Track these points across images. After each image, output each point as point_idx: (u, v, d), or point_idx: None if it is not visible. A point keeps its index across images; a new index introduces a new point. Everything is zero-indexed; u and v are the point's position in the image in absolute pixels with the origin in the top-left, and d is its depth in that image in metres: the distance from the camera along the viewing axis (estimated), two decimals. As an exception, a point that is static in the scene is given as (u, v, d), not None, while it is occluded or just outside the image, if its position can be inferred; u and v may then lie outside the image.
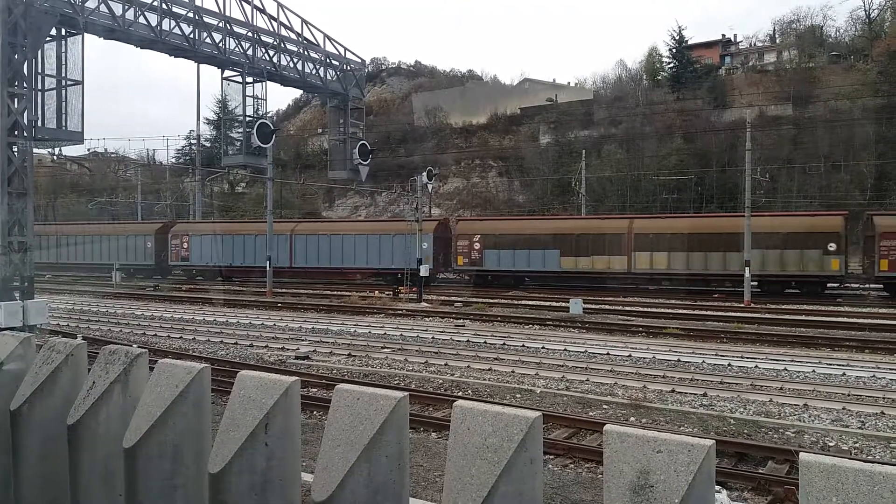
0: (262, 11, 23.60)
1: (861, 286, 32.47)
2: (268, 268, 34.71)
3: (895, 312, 24.42)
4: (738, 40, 69.50)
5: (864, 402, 11.85)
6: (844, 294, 31.53)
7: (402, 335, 20.09)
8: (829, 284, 31.22)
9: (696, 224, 33.76)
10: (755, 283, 28.94)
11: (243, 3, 22.88)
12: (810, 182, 47.12)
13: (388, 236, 38.30)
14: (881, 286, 30.35)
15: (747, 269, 28.08)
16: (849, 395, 12.34)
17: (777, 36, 66.98)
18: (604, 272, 33.96)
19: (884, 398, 12.14)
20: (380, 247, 38.29)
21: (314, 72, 26.38)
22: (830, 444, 9.76)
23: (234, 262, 42.63)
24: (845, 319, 22.71)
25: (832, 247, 29.41)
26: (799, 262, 30.15)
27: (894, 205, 42.15)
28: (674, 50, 61.58)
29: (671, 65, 62.45)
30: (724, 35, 68.81)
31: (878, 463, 8.14)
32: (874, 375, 14.00)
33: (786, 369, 14.67)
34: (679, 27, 61.38)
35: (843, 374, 14.17)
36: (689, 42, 62.00)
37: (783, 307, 26.34)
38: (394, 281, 36.18)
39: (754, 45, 68.78)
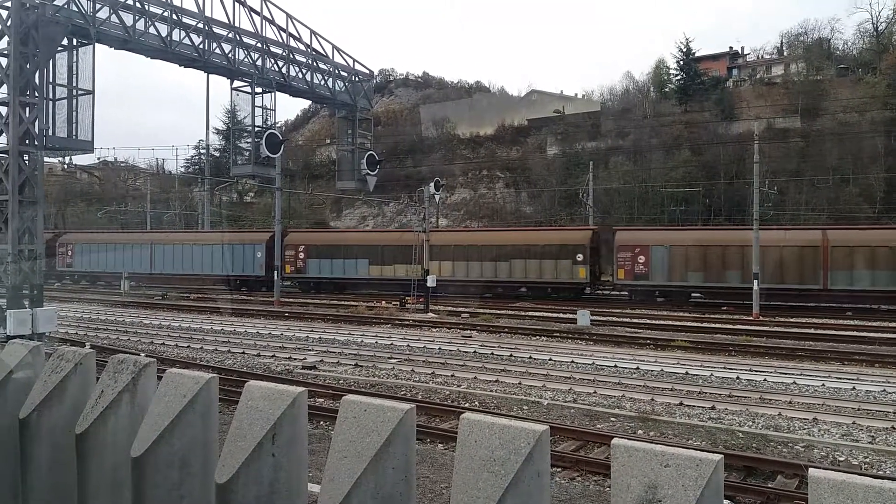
0: (272, 23, 23.80)
1: (609, 292, 37.10)
2: (275, 277, 34.79)
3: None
4: (745, 53, 69.57)
5: (875, 417, 11.76)
6: (593, 298, 36.02)
7: (408, 346, 20.07)
8: (586, 290, 36.09)
9: (480, 237, 39.09)
10: (524, 289, 33.95)
11: (253, 14, 23.08)
12: (819, 195, 46.96)
13: (229, 246, 43.11)
14: (626, 292, 34.83)
15: (756, 281, 27.97)
16: (859, 410, 12.25)
17: (785, 48, 66.95)
18: (404, 279, 36.54)
19: (894, 413, 12.05)
20: (223, 255, 42.85)
21: (323, 83, 26.53)
22: (840, 458, 9.68)
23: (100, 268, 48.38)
24: (855, 333, 22.57)
25: (580, 257, 34.04)
26: (554, 271, 34.51)
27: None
28: (681, 62, 61.60)
29: (679, 77, 62.46)
30: (731, 47, 68.89)
31: (889, 479, 8.08)
32: (884, 390, 13.89)
33: (795, 383, 14.58)
34: (686, 39, 61.29)
35: (853, 388, 14.07)
36: (697, 54, 62.03)
37: (792, 320, 26.20)
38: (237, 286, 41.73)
39: (762, 57, 68.76)
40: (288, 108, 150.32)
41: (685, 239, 33.18)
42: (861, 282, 29.22)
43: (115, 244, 49.40)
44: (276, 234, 36.03)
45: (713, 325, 24.95)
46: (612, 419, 11.83)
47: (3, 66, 15.32)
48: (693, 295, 32.79)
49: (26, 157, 15.50)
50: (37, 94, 15.71)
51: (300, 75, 25.32)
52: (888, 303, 28.82)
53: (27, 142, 15.49)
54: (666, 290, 33.07)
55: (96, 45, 17.66)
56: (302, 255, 40.92)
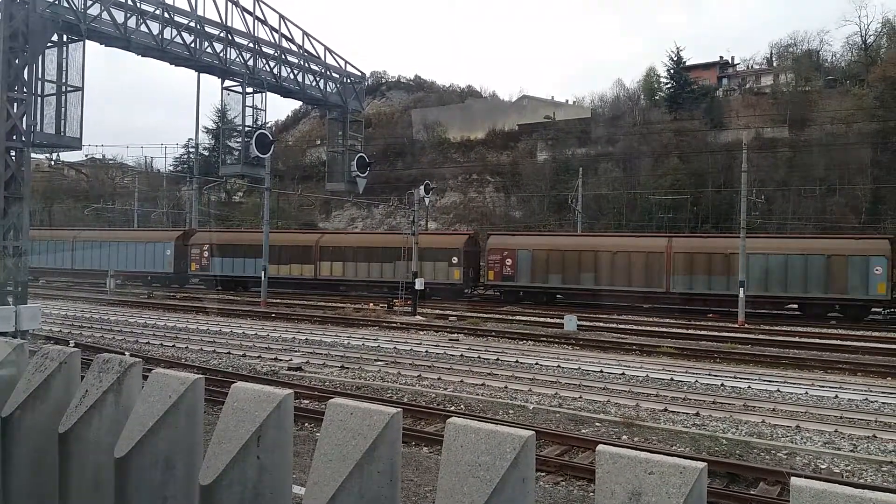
0: (264, 23, 23.73)
1: (484, 291, 39.47)
2: (263, 277, 34.64)
3: (890, 336, 24.49)
4: (735, 62, 70.08)
5: (857, 426, 11.86)
6: (468, 298, 38.42)
7: (395, 348, 20.05)
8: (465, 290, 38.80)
9: (371, 239, 42.25)
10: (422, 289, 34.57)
11: (245, 13, 23.01)
12: (805, 205, 47.36)
13: (143, 244, 45.88)
14: (497, 292, 37.46)
15: (741, 290, 28.15)
16: (841, 418, 12.36)
17: (774, 59, 67.53)
18: (297, 278, 40.41)
19: (876, 421, 12.16)
20: (136, 253, 45.57)
21: (314, 84, 26.49)
22: (822, 466, 9.76)
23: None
24: (839, 342, 22.77)
25: (455, 260, 37.11)
26: (433, 272, 37.09)
27: (888, 229, 42.41)
28: (671, 70, 61.99)
29: (669, 85, 62.84)
30: (721, 57, 69.40)
31: (870, 488, 8.15)
32: (867, 399, 14.02)
33: (779, 390, 14.68)
34: (677, 48, 61.71)
35: (836, 396, 14.19)
36: (687, 63, 62.44)
37: (776, 328, 26.39)
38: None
39: (751, 67, 69.30)
40: (279, 108, 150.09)
41: (546, 244, 36.20)
42: (698, 286, 31.99)
43: (38, 240, 47.56)
44: (265, 234, 35.85)
45: (699, 332, 25.08)
46: (598, 424, 11.86)
47: (-8, 60, 15.18)
48: (558, 296, 35.56)
49: (13, 153, 15.36)
50: (25, 90, 15.57)
51: (292, 76, 25.25)
52: (719, 305, 31.20)
53: (14, 137, 15.35)
54: (529, 291, 35.60)
55: (87, 41, 17.53)
56: (206, 254, 43.30)
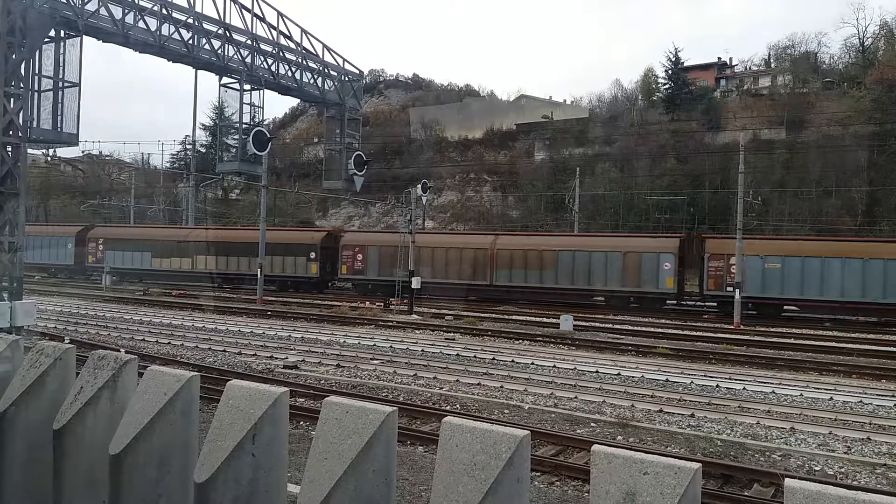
0: (262, 20, 23.73)
1: (341, 285, 42.26)
2: (258, 275, 34.59)
3: (886, 339, 24.55)
4: (733, 64, 70.13)
5: (851, 428, 11.89)
6: (329, 291, 41.05)
7: (391, 347, 20.04)
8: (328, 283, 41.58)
9: (243, 235, 43.53)
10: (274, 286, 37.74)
11: (243, 11, 22.99)
12: (802, 206, 47.45)
13: (46, 238, 47.50)
14: (350, 285, 40.88)
15: (738, 291, 28.20)
16: (836, 420, 12.38)
17: (772, 61, 67.61)
18: (177, 271, 43.26)
19: (870, 424, 12.19)
20: (41, 246, 46.68)
21: (312, 81, 26.47)
22: (816, 468, 9.78)
23: None
24: (834, 344, 22.81)
25: (312, 255, 39.77)
26: (293, 267, 40.10)
27: (884, 231, 42.52)
28: (669, 71, 62.01)
29: (667, 86, 62.85)
30: (719, 58, 69.39)
31: (863, 490, 8.18)
32: (861, 401, 14.05)
33: (773, 392, 14.71)
34: (675, 49, 61.76)
35: (831, 398, 14.22)
36: (685, 64, 62.47)
37: (772, 330, 26.44)
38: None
39: (749, 68, 69.37)
40: (276, 105, 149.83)
41: (391, 241, 38.10)
42: (517, 279, 35.27)
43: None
44: (261, 231, 35.76)
45: (694, 333, 25.11)
46: (593, 424, 11.88)
47: (-11, 55, 15.13)
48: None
49: (9, 149, 15.33)
50: (22, 86, 15.54)
51: (289, 73, 25.24)
52: (538, 296, 34.22)
53: (11, 133, 15.32)
54: (377, 283, 38.23)
55: (84, 37, 17.50)
56: (101, 248, 46.26)
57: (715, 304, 32.36)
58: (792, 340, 23.56)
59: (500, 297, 35.01)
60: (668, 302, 33.75)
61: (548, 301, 33.23)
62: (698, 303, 34.20)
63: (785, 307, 31.82)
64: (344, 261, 39.13)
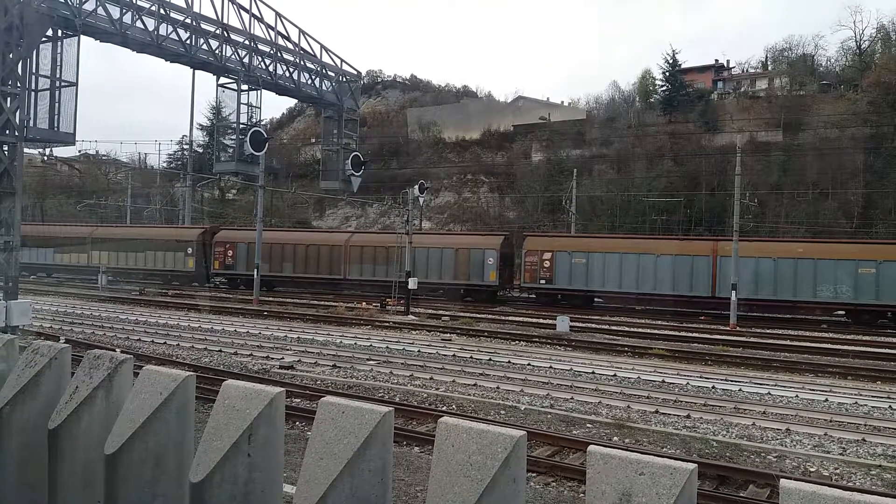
0: (260, 20, 23.70)
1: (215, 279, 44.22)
2: (255, 275, 34.55)
3: (880, 340, 24.61)
4: (730, 66, 70.25)
5: (846, 429, 11.91)
6: (208, 288, 41.85)
7: (388, 347, 20.03)
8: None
9: (134, 232, 48.24)
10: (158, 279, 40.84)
11: (241, 11, 22.97)
12: (798, 208, 47.54)
13: None
14: (222, 280, 43.87)
15: (734, 292, 28.25)
16: (831, 422, 12.41)
17: (769, 63, 67.75)
18: (76, 265, 46.01)
19: (865, 425, 12.22)
20: None
21: (310, 82, 26.46)
22: (811, 469, 9.80)
23: None
24: (829, 346, 22.87)
25: (189, 251, 42.66)
26: (172, 261, 43.31)
27: (880, 233, 42.62)
28: (667, 73, 62.11)
29: (664, 88, 62.96)
30: (716, 60, 69.53)
31: (858, 491, 8.19)
32: (856, 402, 14.08)
33: (769, 393, 14.74)
34: (673, 51, 61.87)
35: (826, 399, 14.25)
36: (683, 66, 62.58)
37: (768, 331, 26.49)
38: None
39: (746, 71, 69.52)
40: (274, 105, 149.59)
41: (265, 238, 39.96)
42: (367, 274, 38.78)
43: None
44: (258, 231, 35.73)
45: (690, 335, 25.15)
46: (589, 425, 11.89)
47: (-15, 54, 15.09)
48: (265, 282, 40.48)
49: (6, 148, 15.29)
50: (19, 85, 15.50)
51: (287, 74, 25.22)
52: (382, 291, 36.26)
53: (7, 132, 15.28)
54: (244, 279, 40.59)
55: (82, 36, 17.47)
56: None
57: (533, 294, 36.32)
58: (787, 342, 23.61)
59: (353, 289, 38.41)
60: (498, 294, 37.55)
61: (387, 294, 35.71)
62: (521, 294, 37.92)
63: (595, 299, 34.93)
64: (216, 256, 41.87)
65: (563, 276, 33.75)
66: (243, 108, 24.03)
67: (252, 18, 23.28)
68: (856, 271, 29.08)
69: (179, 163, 72.70)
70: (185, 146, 71.26)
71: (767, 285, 30.69)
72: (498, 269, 35.33)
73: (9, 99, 15.16)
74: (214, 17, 21.98)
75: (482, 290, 36.21)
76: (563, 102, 70.52)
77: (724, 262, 30.73)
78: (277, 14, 24.38)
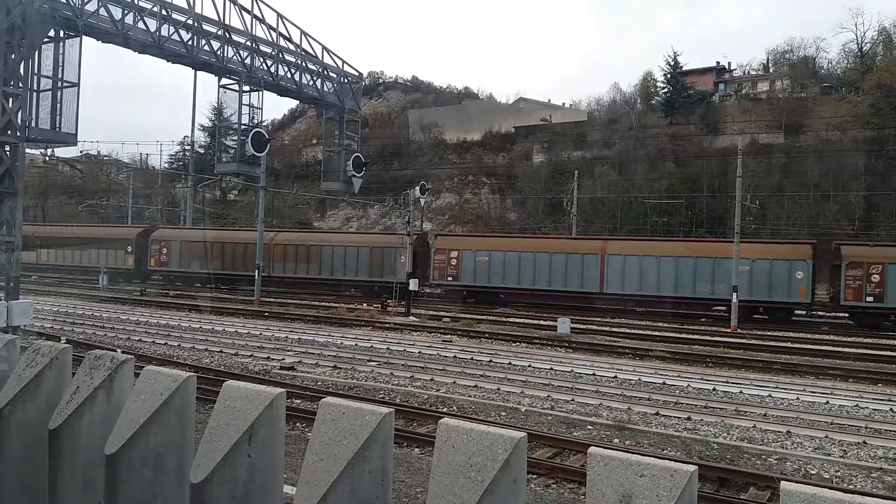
0: (262, 21, 23.72)
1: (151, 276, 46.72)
2: (256, 276, 34.55)
3: (882, 343, 24.59)
4: (731, 68, 70.27)
5: (847, 431, 11.90)
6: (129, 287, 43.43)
7: (388, 349, 20.03)
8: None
9: (80, 231, 49.25)
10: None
11: (243, 12, 22.99)
12: (800, 210, 47.52)
13: None
14: (159, 276, 45.82)
15: (735, 294, 28.23)
16: (832, 424, 12.39)
17: (770, 65, 67.75)
18: (28, 263, 50.32)
19: (866, 428, 12.20)
20: None
21: (311, 83, 26.47)
22: (812, 472, 9.79)
23: None
24: (830, 348, 22.84)
25: (129, 249, 45.30)
26: (114, 259, 45.14)
27: (881, 236, 42.59)
28: (668, 75, 62.15)
29: (665, 90, 62.99)
30: (718, 62, 69.56)
31: (859, 493, 8.15)
32: (857, 405, 14.07)
33: (770, 396, 14.72)
34: (674, 53, 61.86)
35: (827, 402, 14.24)
36: (684, 68, 62.60)
37: (769, 333, 26.47)
38: None
39: (748, 73, 69.53)
40: (275, 106, 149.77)
41: (191, 237, 44.36)
42: (290, 270, 40.44)
43: None
44: (259, 232, 35.78)
45: (691, 337, 25.14)
46: (589, 427, 11.88)
47: (-13, 54, 15.11)
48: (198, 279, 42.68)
49: (7, 148, 15.31)
50: (21, 85, 15.52)
51: (289, 75, 25.24)
52: (305, 287, 39.29)
53: (9, 132, 15.30)
54: (178, 275, 43.31)
55: (84, 37, 17.49)
56: None
57: (442, 291, 38.85)
58: (788, 344, 23.59)
59: (277, 286, 40.20)
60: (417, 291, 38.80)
61: (314, 290, 38.70)
62: (435, 290, 39.99)
63: (500, 295, 36.14)
64: (152, 254, 44.20)
65: (468, 274, 35.59)
66: (245, 109, 24.05)
67: (253, 19, 23.31)
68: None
69: (181, 163, 72.77)
70: (186, 147, 71.34)
71: (651, 282, 32.21)
72: (409, 266, 36.19)
73: (11, 99, 15.18)
74: (216, 18, 22.01)
75: (391, 288, 37.50)
76: (564, 104, 70.62)
77: (611, 259, 33.00)
78: (279, 15, 24.41)
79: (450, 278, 36.25)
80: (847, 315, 30.90)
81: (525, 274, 34.56)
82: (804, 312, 31.92)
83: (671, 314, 31.10)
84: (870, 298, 29.05)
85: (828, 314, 32.75)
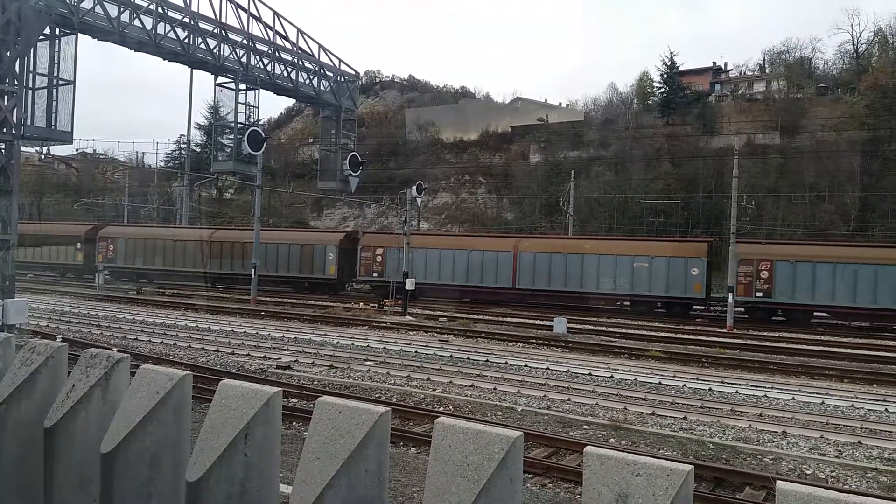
0: (258, 20, 23.68)
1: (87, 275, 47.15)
2: (252, 275, 34.50)
3: (877, 343, 24.66)
4: (728, 68, 70.32)
5: (842, 432, 11.93)
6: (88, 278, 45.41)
7: (385, 348, 20.02)
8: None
9: (42, 228, 50.47)
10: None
11: (240, 10, 22.95)
12: (795, 211, 47.60)
13: None
14: (107, 273, 45.69)
15: (730, 294, 28.28)
16: (827, 424, 12.42)
17: (767, 66, 67.83)
18: None
19: (861, 428, 12.24)
20: None
21: (308, 82, 26.44)
22: (808, 472, 9.81)
23: None
24: (825, 349, 22.90)
25: (79, 246, 46.91)
26: (65, 256, 47.56)
27: (877, 237, 42.70)
28: (665, 75, 62.15)
29: (662, 90, 63.00)
30: (714, 62, 69.58)
31: (854, 493, 8.19)
32: (852, 405, 14.10)
33: (766, 396, 14.75)
34: (671, 53, 61.87)
35: (822, 402, 14.27)
36: (681, 68, 62.63)
37: (765, 334, 26.53)
38: None
39: (744, 73, 69.61)
40: (271, 105, 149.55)
41: (137, 234, 46.55)
42: (226, 267, 41.83)
43: None
44: (255, 231, 35.75)
45: (687, 337, 25.17)
46: (586, 427, 11.89)
47: (-17, 52, 15.05)
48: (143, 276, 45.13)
49: (3, 146, 15.25)
50: (16, 83, 15.47)
51: (285, 73, 25.21)
52: (241, 282, 38.90)
53: (4, 130, 15.24)
54: (123, 271, 45.47)
55: (79, 35, 17.44)
56: None
57: (369, 286, 39.77)
58: (784, 345, 23.64)
59: (214, 282, 41.40)
60: (346, 286, 41.49)
61: (246, 287, 39.08)
62: (359, 287, 41.39)
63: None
64: (100, 251, 46.00)
65: (393, 270, 36.63)
66: (241, 108, 24.01)
67: (250, 18, 23.27)
68: (632, 266, 32.34)
69: (177, 162, 72.57)
70: (182, 145, 71.14)
71: (559, 278, 33.71)
72: (337, 263, 38.73)
73: (6, 97, 15.12)
74: (213, 17, 21.96)
75: (324, 283, 39.47)
76: (560, 104, 70.58)
77: (523, 257, 34.48)
78: (276, 13, 24.38)
79: (375, 274, 37.87)
80: (743, 310, 31.82)
81: (445, 270, 36.21)
82: (702, 308, 33.49)
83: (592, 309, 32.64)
84: (759, 294, 30.29)
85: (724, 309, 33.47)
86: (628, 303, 33.89)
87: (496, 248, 35.57)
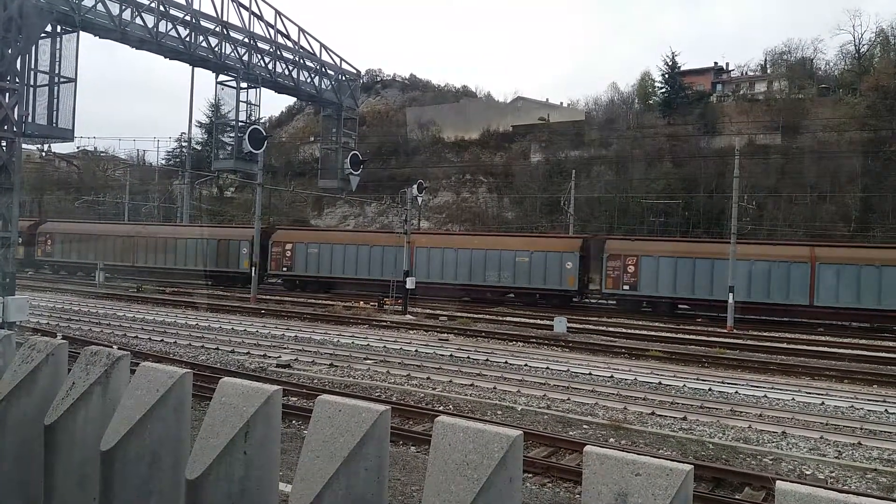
0: (260, 18, 23.66)
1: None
2: (253, 273, 34.52)
3: (877, 344, 24.65)
4: (729, 68, 70.29)
5: (842, 432, 11.93)
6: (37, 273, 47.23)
7: (385, 347, 20.03)
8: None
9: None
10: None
11: (241, 8, 22.94)
12: (796, 212, 47.58)
13: None
14: (46, 268, 49.05)
15: (731, 294, 28.27)
16: (827, 425, 12.42)
17: (768, 66, 67.79)
18: None
19: (861, 429, 12.23)
20: None
21: (309, 80, 26.43)
22: (807, 472, 9.81)
23: None
24: (826, 349, 22.89)
25: (20, 240, 46.02)
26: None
27: (877, 237, 42.68)
28: (666, 75, 62.14)
29: (663, 90, 62.97)
30: (716, 63, 69.57)
31: (854, 493, 8.17)
32: (852, 406, 14.10)
33: (766, 396, 14.75)
34: (672, 53, 61.84)
35: (822, 403, 14.27)
36: (682, 68, 62.61)
37: (765, 334, 26.52)
38: None
39: (745, 74, 69.58)
40: (273, 103, 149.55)
41: (79, 230, 48.25)
42: (150, 262, 44.13)
43: None
44: (256, 230, 35.79)
45: (687, 337, 25.17)
46: (585, 426, 11.89)
47: (-16, 49, 15.05)
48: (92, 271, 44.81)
49: (4, 143, 15.25)
50: (17, 80, 15.46)
51: (286, 72, 25.20)
52: (165, 276, 42.24)
53: (6, 128, 15.24)
54: (60, 265, 47.42)
55: (81, 32, 17.44)
56: None
57: (280, 281, 42.00)
58: (784, 345, 23.63)
59: (143, 276, 42.58)
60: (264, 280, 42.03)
61: (168, 280, 41.74)
62: (272, 281, 42.78)
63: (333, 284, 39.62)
64: (39, 245, 48.05)
65: (301, 265, 39.28)
66: (242, 106, 23.99)
67: (252, 16, 23.26)
68: (514, 260, 34.48)
69: (178, 160, 72.57)
70: (183, 143, 71.16)
71: (450, 272, 36.00)
72: (251, 257, 38.86)
73: (7, 94, 15.13)
74: (214, 15, 21.95)
75: (238, 277, 40.59)
76: (562, 103, 70.53)
77: (419, 252, 36.21)
78: (277, 12, 24.37)
79: (284, 269, 39.92)
80: (615, 302, 34.42)
81: (349, 265, 38.38)
82: (578, 299, 35.64)
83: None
84: (626, 287, 32.66)
85: (599, 300, 36.53)
86: (512, 294, 35.82)
87: (394, 244, 36.35)
